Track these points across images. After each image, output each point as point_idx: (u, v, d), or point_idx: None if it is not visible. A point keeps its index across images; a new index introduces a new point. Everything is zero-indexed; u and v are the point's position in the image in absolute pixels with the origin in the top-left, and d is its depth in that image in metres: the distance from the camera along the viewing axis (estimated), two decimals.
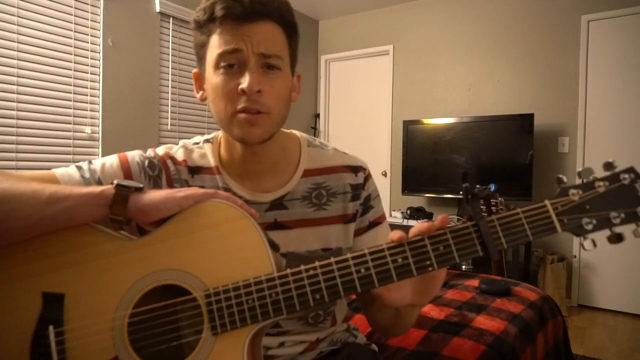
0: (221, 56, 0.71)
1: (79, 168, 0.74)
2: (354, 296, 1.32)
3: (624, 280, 3.22)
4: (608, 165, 0.60)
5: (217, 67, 0.72)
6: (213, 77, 0.73)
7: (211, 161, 0.81)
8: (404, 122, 3.97)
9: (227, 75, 0.72)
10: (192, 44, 0.79)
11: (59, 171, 0.73)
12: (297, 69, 0.82)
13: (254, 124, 0.72)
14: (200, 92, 0.81)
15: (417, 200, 4.06)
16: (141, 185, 0.63)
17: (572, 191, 0.60)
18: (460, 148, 3.66)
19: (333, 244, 0.83)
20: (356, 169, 0.87)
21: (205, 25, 0.73)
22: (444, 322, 1.17)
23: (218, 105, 0.74)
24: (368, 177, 0.88)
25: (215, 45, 0.72)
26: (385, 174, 4.36)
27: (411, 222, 3.62)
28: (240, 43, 0.70)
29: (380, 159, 4.37)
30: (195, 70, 0.81)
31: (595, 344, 2.71)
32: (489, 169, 3.53)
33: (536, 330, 1.22)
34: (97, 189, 0.61)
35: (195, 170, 0.80)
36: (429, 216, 3.77)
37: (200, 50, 0.76)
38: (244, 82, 0.69)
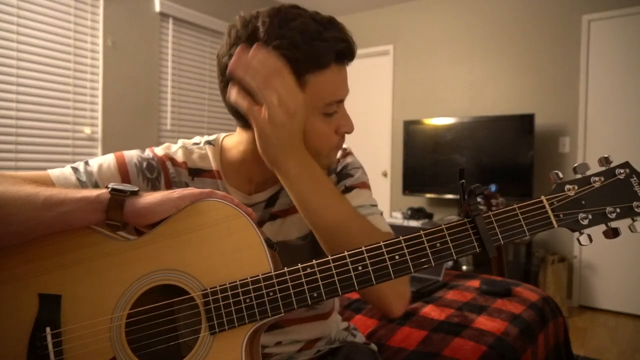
0: (330, 105, 0.72)
1: (75, 170, 0.73)
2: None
3: (624, 281, 3.21)
4: (604, 161, 0.60)
5: (319, 112, 0.72)
6: (309, 121, 0.71)
7: (212, 164, 0.80)
8: (405, 122, 3.97)
9: (328, 119, 0.73)
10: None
11: (55, 172, 0.71)
12: None
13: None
14: None
15: (417, 201, 4.05)
16: (136, 188, 0.62)
17: (567, 186, 0.60)
18: (460, 148, 3.65)
19: None
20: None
21: (311, 63, 0.68)
22: (444, 323, 1.16)
23: (310, 147, 0.73)
24: (347, 155, 0.88)
25: (321, 90, 0.70)
26: (385, 174, 4.35)
27: (412, 223, 3.61)
28: (344, 91, 0.74)
29: (381, 159, 4.37)
30: None
31: (596, 345, 2.71)
32: (489, 169, 3.53)
33: (537, 330, 1.22)
34: (93, 193, 0.60)
35: (196, 173, 0.79)
36: (429, 216, 3.76)
37: None
38: (348, 126, 0.75)
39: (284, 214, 0.82)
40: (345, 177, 0.85)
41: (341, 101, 0.74)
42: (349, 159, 0.87)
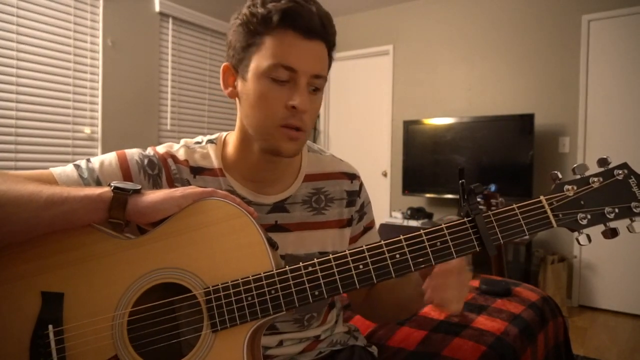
0: (275, 67, 0.69)
1: (77, 167, 0.73)
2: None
3: (624, 281, 3.21)
4: (602, 162, 0.61)
5: (265, 75, 0.70)
6: (257, 84, 0.71)
7: (214, 162, 0.80)
8: (404, 122, 3.97)
9: (276, 86, 0.70)
10: (231, 37, 0.74)
11: (57, 170, 0.72)
12: None
13: (294, 140, 0.72)
14: (230, 89, 0.78)
15: (417, 201, 4.05)
16: (139, 187, 0.63)
17: (567, 187, 0.61)
18: (460, 148, 3.65)
19: (329, 247, 0.85)
20: (352, 176, 0.90)
21: (261, 24, 0.69)
22: (444, 323, 1.16)
23: (257, 113, 0.72)
24: (362, 184, 0.92)
25: (270, 53, 0.69)
26: (385, 174, 4.35)
27: (411, 223, 3.62)
28: (297, 61, 0.69)
29: (381, 159, 4.37)
30: (226, 63, 0.77)
31: (596, 345, 2.71)
32: (489, 169, 3.53)
33: (537, 330, 1.22)
34: (95, 191, 0.61)
35: (198, 171, 0.79)
36: (429, 216, 3.76)
37: (245, 50, 0.72)
38: (296, 100, 0.69)
39: (295, 227, 0.82)
40: (363, 216, 0.91)
41: (291, 70, 0.69)
42: (364, 192, 0.92)
